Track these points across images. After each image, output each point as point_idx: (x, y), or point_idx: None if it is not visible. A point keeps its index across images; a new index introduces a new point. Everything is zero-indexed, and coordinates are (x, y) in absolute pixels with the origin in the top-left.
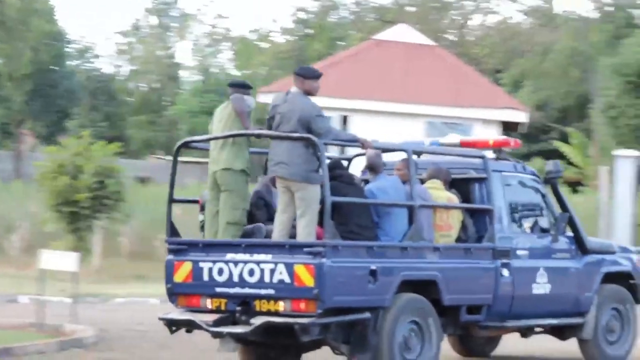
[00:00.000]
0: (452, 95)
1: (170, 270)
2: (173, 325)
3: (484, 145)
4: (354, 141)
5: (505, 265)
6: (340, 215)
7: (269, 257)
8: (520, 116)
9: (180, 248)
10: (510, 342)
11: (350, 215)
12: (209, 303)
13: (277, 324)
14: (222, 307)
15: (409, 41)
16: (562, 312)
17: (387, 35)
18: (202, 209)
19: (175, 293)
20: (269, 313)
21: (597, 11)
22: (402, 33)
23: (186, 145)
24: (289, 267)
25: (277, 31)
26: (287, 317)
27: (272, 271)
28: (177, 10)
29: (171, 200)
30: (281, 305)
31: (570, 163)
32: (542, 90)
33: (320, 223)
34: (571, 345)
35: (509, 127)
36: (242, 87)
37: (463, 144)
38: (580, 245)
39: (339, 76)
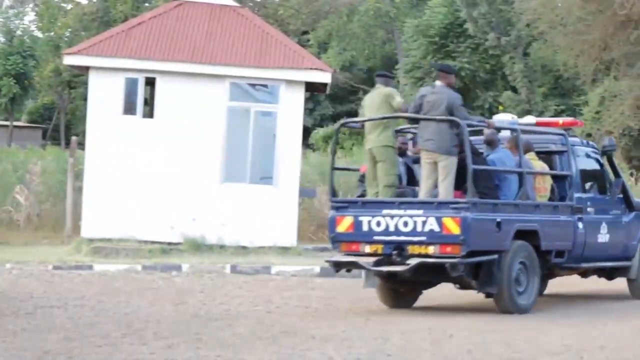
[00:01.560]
0: (256, 56)
1: (332, 223)
2: (338, 266)
3: (555, 125)
4: (482, 122)
5: (580, 219)
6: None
7: (420, 212)
8: (325, 77)
9: (341, 205)
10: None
11: (480, 179)
12: (367, 248)
13: (430, 264)
14: (379, 251)
15: (211, 2)
16: (615, 256)
17: None
18: (361, 178)
19: (337, 241)
20: (419, 255)
21: None
22: None
23: (345, 125)
24: (439, 220)
25: None
26: (437, 259)
27: (424, 222)
28: None
29: (333, 168)
30: (431, 249)
31: None
32: (347, 51)
33: (456, 186)
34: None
35: (315, 88)
36: (386, 77)
37: (538, 124)
38: (628, 204)
39: (142, 38)
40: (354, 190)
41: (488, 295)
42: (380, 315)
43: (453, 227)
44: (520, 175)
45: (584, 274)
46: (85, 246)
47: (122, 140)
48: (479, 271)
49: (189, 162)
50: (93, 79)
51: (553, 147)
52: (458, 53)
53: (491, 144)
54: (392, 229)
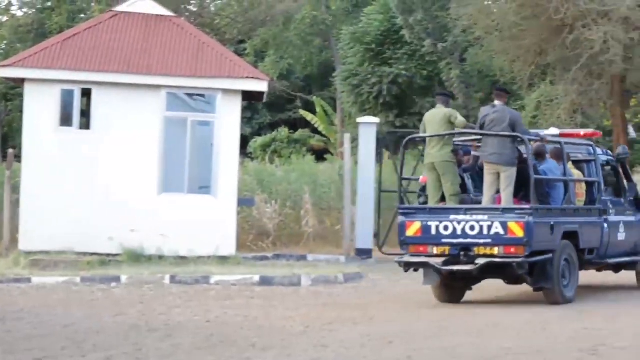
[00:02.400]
0: (192, 66)
1: (402, 228)
2: (408, 266)
3: (577, 136)
4: (536, 136)
5: (605, 220)
6: (528, 188)
7: (485, 217)
8: (262, 86)
9: (409, 212)
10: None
11: (535, 188)
12: (435, 250)
13: (498, 263)
14: (446, 252)
15: (147, 12)
16: (628, 252)
17: (126, 7)
18: (422, 189)
19: (406, 243)
20: (485, 255)
21: None
22: (141, 5)
23: (412, 140)
24: (504, 224)
25: (15, 4)
26: (502, 258)
27: (489, 227)
28: None
29: (401, 178)
30: (496, 250)
31: (315, 131)
32: (285, 59)
33: (515, 194)
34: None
35: (252, 97)
36: (446, 96)
37: (561, 135)
38: (637, 205)
39: (78, 49)
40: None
41: (537, 290)
42: (319, 323)
43: (517, 230)
44: (566, 183)
45: (601, 268)
46: (24, 259)
47: (59, 152)
48: (534, 269)
49: (127, 173)
50: (29, 91)
51: (581, 156)
52: (395, 60)
53: (540, 155)
54: (459, 232)
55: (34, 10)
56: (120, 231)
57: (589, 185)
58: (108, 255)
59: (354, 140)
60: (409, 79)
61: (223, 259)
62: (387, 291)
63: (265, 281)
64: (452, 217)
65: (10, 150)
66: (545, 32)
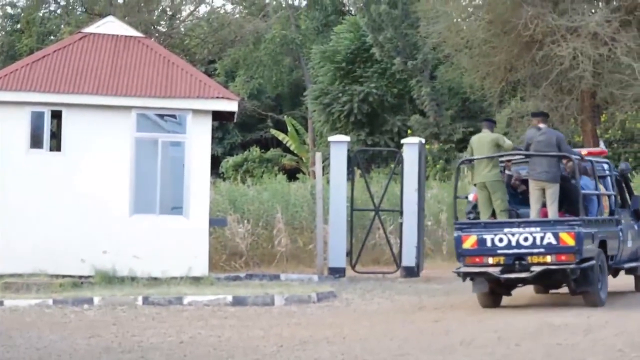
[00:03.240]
0: (162, 86)
1: (459, 241)
2: (467, 275)
3: (594, 154)
4: (578, 155)
5: (620, 229)
6: (570, 202)
7: (538, 229)
8: (233, 105)
9: (464, 227)
10: None
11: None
12: (490, 260)
13: (553, 270)
14: (501, 262)
15: (116, 33)
16: (631, 258)
17: (94, 29)
18: (474, 206)
19: (463, 255)
20: (539, 264)
21: None
22: (110, 25)
23: (463, 162)
24: (556, 234)
25: None
26: (554, 266)
27: (542, 237)
28: None
29: (455, 197)
30: (549, 258)
31: (287, 151)
32: (255, 79)
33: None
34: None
35: (223, 117)
36: (491, 122)
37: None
38: (637, 216)
39: (47, 71)
40: None
41: (578, 294)
42: (293, 343)
43: (569, 240)
44: (598, 197)
45: (613, 274)
46: None
47: (30, 174)
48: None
49: (98, 194)
50: None
51: (599, 172)
52: (365, 78)
53: (580, 172)
54: (513, 243)
55: (3, 33)
56: (93, 253)
57: (608, 198)
58: (80, 277)
59: (326, 159)
60: (379, 97)
61: (196, 280)
62: (360, 310)
63: (238, 301)
64: (506, 230)
65: None
66: (515, 49)
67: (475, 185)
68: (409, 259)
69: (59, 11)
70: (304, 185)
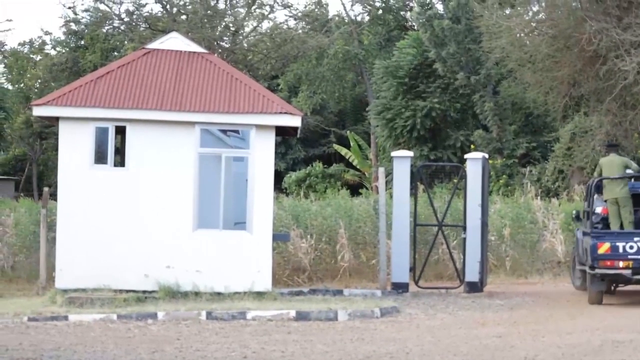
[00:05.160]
0: (226, 102)
1: (595, 248)
2: (603, 278)
3: None
4: None
5: None
6: None
7: None
8: (296, 121)
9: (599, 236)
10: None
11: None
12: (621, 264)
13: None
14: (630, 266)
15: (180, 49)
16: None
17: (158, 45)
18: (577, 218)
19: (597, 259)
20: None
21: (367, 14)
22: (173, 41)
23: (600, 179)
24: None
25: (49, 43)
26: None
27: None
28: None
29: (592, 212)
30: None
31: (349, 166)
32: (318, 94)
33: None
34: None
35: (286, 132)
36: (617, 146)
37: None
38: None
39: (111, 86)
40: None
41: None
42: (356, 358)
43: None
44: None
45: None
46: (60, 297)
47: (94, 190)
48: None
49: (162, 209)
50: (63, 129)
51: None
52: (428, 93)
53: None
54: None
55: (68, 49)
56: (156, 268)
57: None
58: (144, 292)
59: (389, 174)
60: (442, 112)
61: (259, 295)
62: (423, 325)
63: (301, 316)
64: (636, 238)
65: (46, 189)
66: (579, 63)
67: (606, 200)
68: (472, 274)
69: (122, 27)
70: (366, 200)
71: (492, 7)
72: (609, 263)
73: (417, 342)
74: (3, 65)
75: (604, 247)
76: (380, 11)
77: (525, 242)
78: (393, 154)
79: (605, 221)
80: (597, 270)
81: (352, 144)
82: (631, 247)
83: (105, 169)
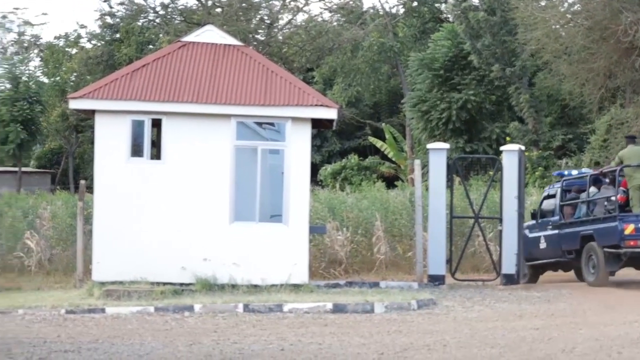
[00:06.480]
0: (261, 94)
1: (621, 228)
2: (633, 254)
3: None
4: None
5: None
6: None
7: None
8: (331, 113)
9: (626, 218)
10: None
11: None
12: None
13: None
14: None
15: (215, 42)
16: None
17: (193, 37)
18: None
19: (624, 239)
20: None
21: (402, 6)
22: (209, 34)
23: (623, 167)
24: None
25: (85, 37)
26: None
27: None
28: None
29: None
30: None
31: (385, 158)
32: (353, 87)
33: None
34: None
35: (321, 125)
36: (634, 137)
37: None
38: None
39: (147, 79)
40: None
41: None
42: (393, 350)
43: None
44: None
45: None
46: (97, 289)
47: (130, 183)
48: None
49: (198, 202)
50: (99, 122)
51: None
52: (463, 85)
53: None
54: None
55: (103, 42)
56: (193, 260)
57: None
58: (181, 284)
59: (424, 166)
60: (477, 104)
61: (295, 287)
62: (460, 317)
63: (338, 309)
64: None
65: (82, 182)
66: (615, 55)
67: (630, 187)
68: (508, 267)
69: (157, 21)
70: (402, 192)
71: None
72: (632, 243)
73: (454, 334)
74: (39, 59)
75: (630, 228)
76: (415, 3)
77: None
78: (429, 146)
79: (621, 208)
80: (624, 249)
81: (387, 136)
82: None
83: (141, 161)
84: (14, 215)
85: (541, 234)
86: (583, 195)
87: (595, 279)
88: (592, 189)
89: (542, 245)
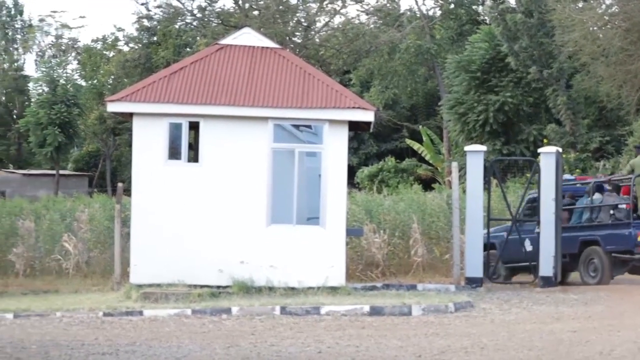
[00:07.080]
0: (298, 97)
1: (635, 234)
2: None
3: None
4: None
5: None
6: None
7: None
8: (369, 115)
9: (638, 225)
10: None
11: None
12: None
13: None
14: None
15: (252, 45)
16: None
17: (231, 40)
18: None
19: (637, 245)
20: None
21: (439, 8)
22: (246, 37)
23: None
24: None
25: (122, 39)
26: None
27: None
28: (21, 22)
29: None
30: None
31: (422, 160)
32: (390, 89)
33: None
34: None
35: (358, 127)
36: None
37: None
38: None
39: (185, 82)
40: None
41: None
42: (431, 353)
43: None
44: None
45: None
46: (135, 292)
47: (167, 185)
48: None
49: (235, 205)
50: (137, 125)
51: None
52: (500, 87)
53: None
54: None
55: (140, 45)
56: (230, 263)
57: None
58: (218, 287)
59: (462, 168)
60: (515, 106)
61: (332, 290)
62: (498, 320)
63: (375, 311)
64: None
65: (120, 184)
66: None
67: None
68: (546, 269)
69: (194, 23)
70: (439, 195)
71: (564, 1)
72: None
73: (491, 336)
74: (77, 62)
75: None
76: (452, 5)
77: None
78: (466, 148)
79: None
80: (637, 255)
81: (424, 138)
82: None
83: (178, 164)
84: (52, 218)
85: (527, 236)
86: (583, 201)
87: (597, 283)
88: (596, 196)
89: (528, 247)
